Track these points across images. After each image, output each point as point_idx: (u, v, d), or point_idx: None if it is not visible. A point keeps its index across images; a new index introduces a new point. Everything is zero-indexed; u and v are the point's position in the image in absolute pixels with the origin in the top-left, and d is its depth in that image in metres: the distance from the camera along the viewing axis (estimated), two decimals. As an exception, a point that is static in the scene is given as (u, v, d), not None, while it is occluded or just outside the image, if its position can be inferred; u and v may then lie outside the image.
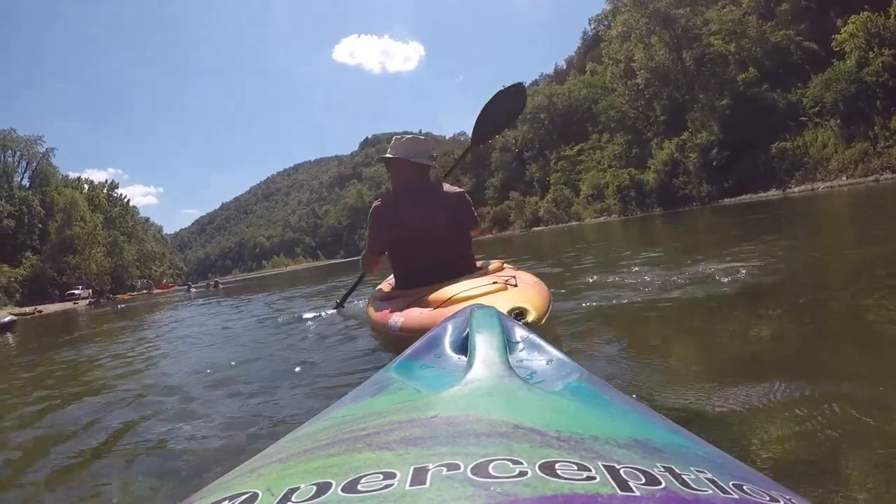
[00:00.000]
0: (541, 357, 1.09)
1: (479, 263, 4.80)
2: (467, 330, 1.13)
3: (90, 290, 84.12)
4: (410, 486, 0.52)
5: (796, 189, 49.72)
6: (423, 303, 3.79)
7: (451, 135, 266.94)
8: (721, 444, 0.92)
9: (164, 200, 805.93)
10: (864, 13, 47.95)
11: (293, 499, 0.54)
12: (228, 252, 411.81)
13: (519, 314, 2.83)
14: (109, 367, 5.94)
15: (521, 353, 1.12)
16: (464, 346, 1.11)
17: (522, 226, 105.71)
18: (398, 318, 3.88)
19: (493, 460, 0.56)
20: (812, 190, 45.46)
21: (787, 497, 0.59)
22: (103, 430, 3.19)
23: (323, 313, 6.84)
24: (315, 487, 0.55)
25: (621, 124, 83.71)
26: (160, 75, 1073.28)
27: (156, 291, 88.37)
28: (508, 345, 1.06)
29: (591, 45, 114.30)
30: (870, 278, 4.56)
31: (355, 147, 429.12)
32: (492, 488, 0.51)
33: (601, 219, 76.39)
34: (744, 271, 5.07)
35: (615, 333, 3.56)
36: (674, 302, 4.06)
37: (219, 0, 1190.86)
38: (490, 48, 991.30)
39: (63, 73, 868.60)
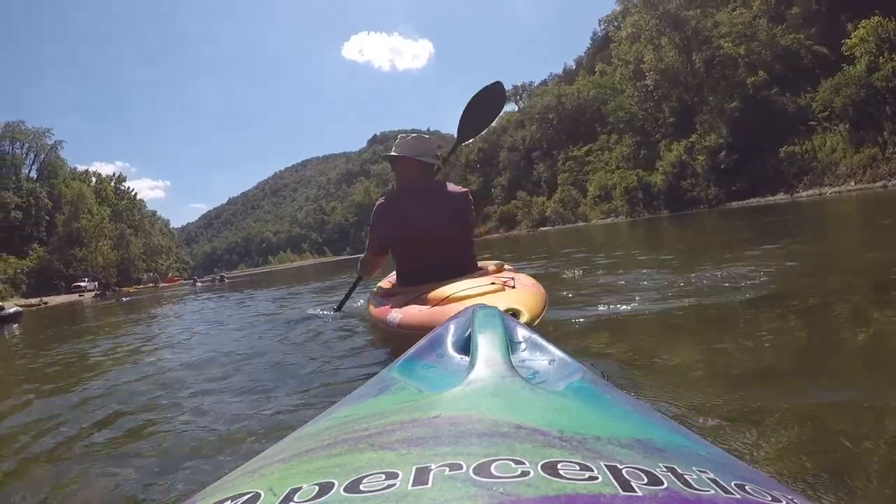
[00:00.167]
0: (543, 357, 1.09)
1: (479, 263, 4.83)
2: (469, 330, 1.13)
3: (96, 283, 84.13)
4: (413, 486, 0.52)
5: (804, 193, 49.64)
6: (421, 300, 3.85)
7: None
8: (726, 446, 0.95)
9: (172, 194, 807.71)
10: (875, 18, 47.85)
11: (295, 499, 0.54)
12: (235, 247, 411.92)
13: (512, 315, 2.63)
14: (109, 361, 5.90)
15: (524, 353, 1.12)
16: (466, 346, 1.11)
17: (529, 226, 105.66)
18: (396, 315, 3.95)
19: (495, 460, 0.56)
20: (820, 195, 45.36)
21: (789, 497, 0.59)
22: (99, 424, 3.17)
23: (323, 311, 6.84)
24: (317, 487, 0.55)
25: (630, 125, 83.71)
26: (169, 70, 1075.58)
27: (161, 285, 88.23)
28: (511, 345, 1.06)
29: (601, 45, 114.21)
30: (880, 284, 4.53)
31: (363, 144, 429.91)
32: (494, 488, 0.51)
33: (608, 220, 76.36)
34: (753, 276, 5.04)
35: (620, 339, 3.51)
36: (682, 307, 4.01)
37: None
38: (500, 47, 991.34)
39: (72, 68, 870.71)
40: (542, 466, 0.55)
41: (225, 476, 0.73)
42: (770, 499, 0.56)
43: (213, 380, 3.86)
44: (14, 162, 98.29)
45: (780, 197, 51.76)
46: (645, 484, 0.52)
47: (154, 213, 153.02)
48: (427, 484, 0.53)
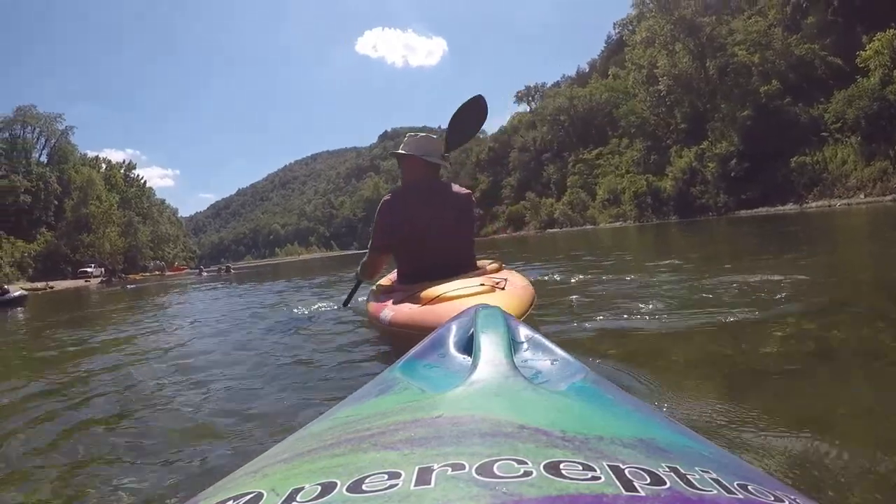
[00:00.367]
0: (545, 357, 1.09)
1: (478, 262, 4.92)
2: (472, 330, 1.14)
3: (103, 269, 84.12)
4: (415, 486, 0.53)
5: (813, 204, 49.60)
6: (414, 299, 3.90)
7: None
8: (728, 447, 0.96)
9: (181, 183, 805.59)
10: (890, 31, 47.76)
11: (298, 499, 0.54)
12: (242, 238, 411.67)
13: None
14: (108, 351, 5.83)
15: (526, 353, 1.12)
16: (468, 345, 1.11)
17: (537, 226, 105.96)
18: (388, 313, 4.05)
19: (497, 460, 0.56)
20: (829, 206, 45.29)
21: (792, 497, 0.59)
22: (95, 418, 3.12)
23: (327, 306, 6.85)
24: (320, 487, 0.55)
25: (641, 130, 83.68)
26: (182, 60, 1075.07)
27: (168, 273, 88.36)
28: (513, 345, 1.07)
29: (615, 49, 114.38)
30: (889, 299, 4.50)
31: (374, 139, 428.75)
32: (497, 488, 0.51)
33: (616, 224, 76.45)
34: (764, 286, 5.02)
35: (625, 344, 3.49)
36: (688, 314, 3.98)
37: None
38: (513, 47, 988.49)
39: (86, 54, 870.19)
40: (545, 466, 0.55)
41: (227, 476, 0.73)
42: (773, 499, 0.56)
43: (210, 376, 3.76)
44: (25, 146, 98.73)
45: (790, 207, 51.73)
46: (647, 484, 0.52)
47: (163, 201, 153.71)
48: (430, 484, 0.53)
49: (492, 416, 0.70)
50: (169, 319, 9.02)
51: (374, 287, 5.23)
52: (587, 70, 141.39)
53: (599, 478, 0.53)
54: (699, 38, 68.83)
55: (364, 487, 0.54)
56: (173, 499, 1.96)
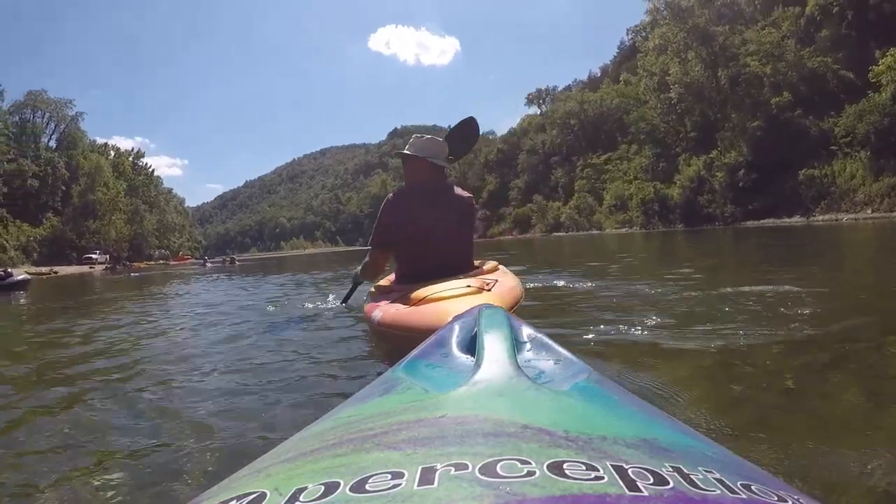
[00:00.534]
0: (549, 357, 1.09)
1: (476, 263, 5.03)
2: (475, 329, 1.13)
3: (107, 256, 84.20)
4: (418, 485, 0.53)
5: (820, 217, 49.60)
6: (405, 300, 3.95)
7: (481, 132, 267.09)
8: (732, 447, 0.95)
9: (189, 173, 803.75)
10: (904, 46, 47.67)
11: (301, 498, 0.54)
12: (248, 230, 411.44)
13: None
14: (107, 339, 5.86)
15: (529, 353, 1.11)
16: (471, 345, 1.11)
17: (543, 230, 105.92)
18: (379, 313, 4.13)
19: (501, 460, 0.56)
20: (836, 220, 45.27)
21: (796, 497, 0.59)
22: (90, 413, 3.04)
23: (328, 303, 6.91)
24: (323, 487, 0.55)
25: (651, 137, 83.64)
26: (194, 50, 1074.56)
27: (172, 263, 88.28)
28: (516, 344, 1.06)
29: (628, 55, 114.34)
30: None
31: (383, 136, 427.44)
32: (500, 488, 0.51)
33: (622, 230, 76.41)
34: (774, 299, 4.96)
35: (631, 350, 3.51)
36: (699, 331, 3.96)
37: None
38: (526, 50, 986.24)
39: (99, 41, 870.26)
40: (548, 466, 0.55)
41: (230, 476, 0.73)
42: (776, 499, 0.56)
43: (207, 372, 3.69)
44: (34, 130, 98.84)
45: (796, 219, 51.70)
46: (651, 484, 0.52)
47: (170, 190, 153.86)
48: (433, 484, 0.53)
49: (495, 416, 0.69)
50: (169, 311, 8.97)
51: (372, 288, 5.22)
52: (599, 75, 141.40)
53: (603, 478, 0.53)
54: (712, 47, 68.76)
55: (367, 487, 0.54)
56: (177, 499, 1.94)
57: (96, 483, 2.11)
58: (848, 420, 2.25)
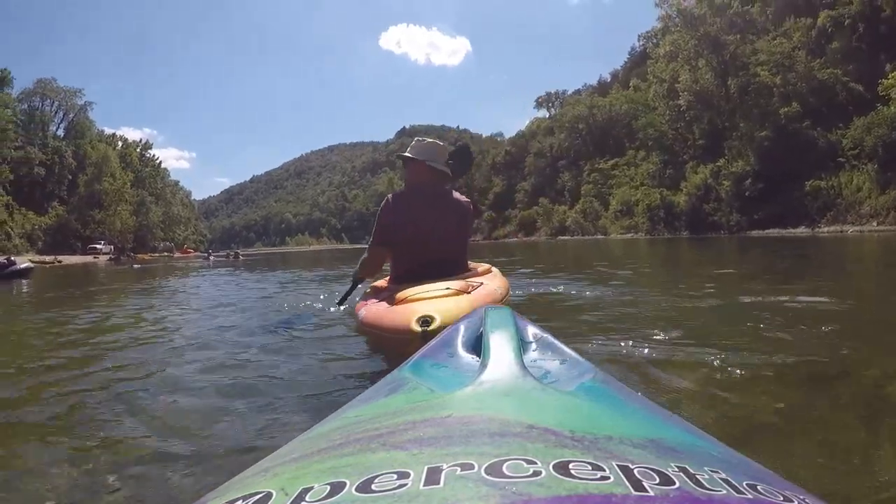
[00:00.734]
0: (554, 357, 1.10)
1: (470, 264, 5.19)
2: (481, 329, 1.14)
3: (112, 247, 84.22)
4: (424, 485, 0.53)
5: (825, 229, 49.43)
6: (391, 299, 4.04)
7: (489, 134, 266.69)
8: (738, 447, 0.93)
9: (196, 166, 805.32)
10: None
11: (307, 498, 0.54)
12: (254, 225, 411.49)
13: (424, 321, 3.22)
14: (105, 331, 5.89)
15: (535, 353, 1.13)
16: (477, 345, 1.12)
17: (548, 233, 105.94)
18: (363, 311, 4.30)
19: (507, 460, 0.56)
20: (841, 232, 45.14)
21: (801, 497, 0.59)
22: (88, 410, 2.99)
23: (328, 301, 6.84)
24: (329, 487, 0.55)
25: (658, 143, 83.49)
26: (206, 44, 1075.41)
27: (176, 255, 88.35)
28: (522, 344, 1.06)
29: (638, 60, 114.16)
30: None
31: (392, 135, 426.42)
32: (506, 488, 0.51)
33: (627, 235, 76.32)
34: (782, 311, 4.90)
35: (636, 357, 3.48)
36: (713, 345, 3.88)
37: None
38: (536, 53, 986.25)
39: (110, 31, 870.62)
40: (554, 466, 0.55)
41: (236, 476, 0.73)
42: (782, 499, 0.56)
43: (205, 369, 3.65)
44: (42, 118, 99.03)
45: (802, 230, 51.54)
46: (657, 484, 0.52)
47: (177, 183, 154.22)
48: (439, 484, 0.53)
49: (501, 416, 0.69)
50: (172, 305, 8.81)
51: (368, 288, 5.30)
52: (609, 80, 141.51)
53: (609, 478, 0.53)
54: (723, 55, 68.66)
55: (373, 487, 0.54)
56: (180, 499, 1.90)
57: (97, 482, 2.08)
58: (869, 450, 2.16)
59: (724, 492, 0.53)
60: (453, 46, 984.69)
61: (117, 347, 4.89)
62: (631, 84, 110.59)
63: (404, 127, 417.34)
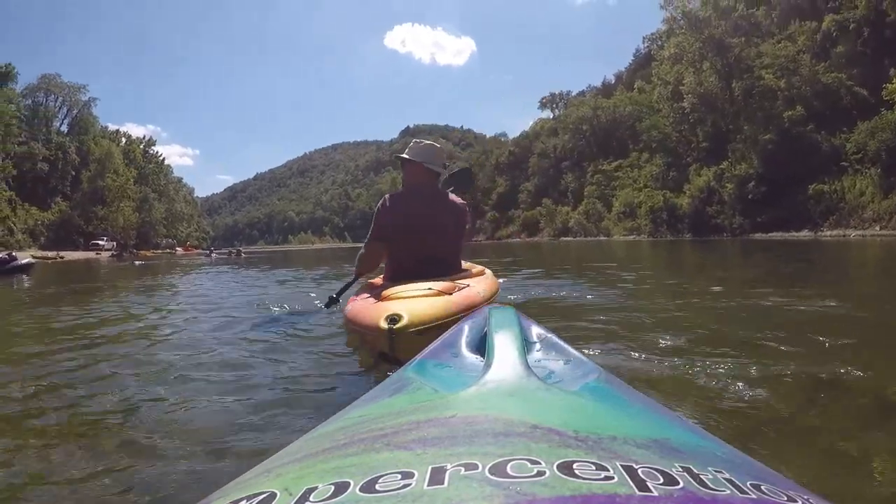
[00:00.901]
0: (559, 357, 1.11)
1: (466, 265, 5.35)
2: (485, 329, 1.15)
3: (114, 243, 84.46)
4: (428, 485, 0.53)
5: (828, 233, 49.38)
6: (377, 297, 4.12)
7: (492, 134, 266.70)
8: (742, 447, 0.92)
9: (200, 163, 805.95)
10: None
11: (311, 498, 0.54)
12: (257, 223, 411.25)
13: (392, 320, 3.31)
14: (101, 327, 5.92)
15: (539, 353, 1.14)
16: (481, 346, 1.13)
17: (551, 234, 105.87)
18: (348, 307, 4.43)
19: (511, 460, 0.56)
20: (844, 236, 45.05)
21: (805, 497, 0.59)
22: (86, 408, 2.96)
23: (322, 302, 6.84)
24: (333, 487, 0.55)
25: (662, 145, 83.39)
26: (211, 42, 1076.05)
27: (178, 252, 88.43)
28: (526, 345, 1.07)
29: (643, 62, 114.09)
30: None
31: (395, 134, 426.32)
32: (510, 488, 0.51)
33: (630, 237, 76.22)
34: (787, 317, 4.95)
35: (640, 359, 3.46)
36: (721, 353, 3.82)
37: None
38: (541, 53, 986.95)
39: (115, 28, 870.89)
40: (558, 466, 0.55)
41: (240, 476, 0.73)
42: (786, 499, 0.56)
43: (202, 365, 3.85)
44: (46, 114, 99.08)
45: (804, 234, 51.49)
46: (661, 484, 0.52)
47: (180, 179, 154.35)
48: (443, 484, 0.53)
49: (505, 416, 0.69)
50: (168, 303, 8.78)
51: (362, 285, 5.33)
52: (613, 82, 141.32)
53: (613, 478, 0.53)
54: (727, 58, 68.52)
55: (377, 487, 0.54)
56: (184, 499, 1.90)
57: (98, 483, 2.06)
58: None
59: (728, 492, 0.53)
60: (458, 46, 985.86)
61: (113, 344, 4.98)
62: (635, 86, 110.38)
63: (408, 126, 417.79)
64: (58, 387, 3.38)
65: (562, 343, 1.17)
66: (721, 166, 66.16)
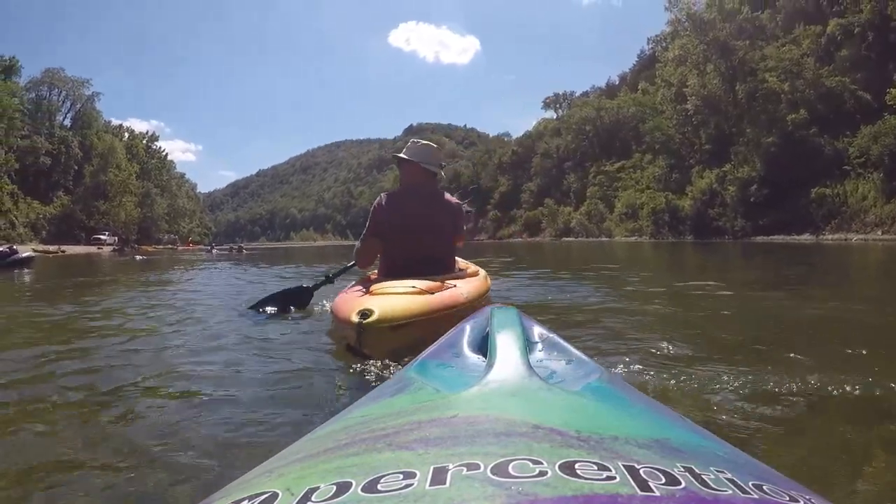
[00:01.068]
0: (561, 357, 1.12)
1: (461, 264, 5.50)
2: (487, 329, 1.15)
3: (116, 238, 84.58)
4: (430, 485, 0.52)
5: (830, 237, 49.28)
6: (363, 291, 4.26)
7: (496, 133, 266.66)
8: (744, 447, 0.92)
9: (202, 159, 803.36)
10: (924, 70, 47.49)
11: (313, 498, 0.54)
12: (259, 219, 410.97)
13: (363, 315, 3.40)
14: (101, 329, 5.83)
15: (541, 353, 1.15)
16: (483, 346, 1.13)
17: (553, 234, 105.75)
18: (336, 299, 4.55)
19: (512, 460, 0.56)
20: (846, 240, 45.01)
21: (807, 497, 0.59)
22: (86, 407, 2.97)
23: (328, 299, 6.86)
24: (335, 487, 0.55)
25: (665, 147, 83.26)
26: (215, 38, 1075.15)
27: (180, 248, 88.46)
28: (528, 344, 1.07)
29: (647, 64, 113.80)
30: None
31: (399, 132, 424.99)
32: (512, 488, 0.51)
33: (632, 238, 76.08)
34: (791, 321, 4.99)
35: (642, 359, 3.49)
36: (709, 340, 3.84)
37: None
38: (545, 53, 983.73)
39: (119, 23, 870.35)
40: (560, 466, 0.55)
41: (242, 476, 0.73)
42: (788, 499, 0.56)
43: (202, 362, 3.92)
44: (49, 108, 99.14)
45: (806, 237, 51.35)
46: (662, 484, 0.52)
47: (182, 175, 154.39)
48: (445, 484, 0.53)
49: (507, 416, 0.69)
50: (168, 298, 8.92)
51: (356, 279, 5.35)
52: (617, 83, 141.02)
53: (614, 478, 0.53)
54: (731, 60, 68.42)
55: (379, 487, 0.53)
56: (186, 499, 1.89)
57: (97, 482, 2.06)
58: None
59: (730, 492, 0.53)
60: (463, 45, 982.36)
61: (111, 339, 5.00)
62: (639, 87, 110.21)
63: (411, 124, 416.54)
64: (53, 382, 3.41)
65: (564, 343, 1.17)
66: (724, 169, 66.04)
